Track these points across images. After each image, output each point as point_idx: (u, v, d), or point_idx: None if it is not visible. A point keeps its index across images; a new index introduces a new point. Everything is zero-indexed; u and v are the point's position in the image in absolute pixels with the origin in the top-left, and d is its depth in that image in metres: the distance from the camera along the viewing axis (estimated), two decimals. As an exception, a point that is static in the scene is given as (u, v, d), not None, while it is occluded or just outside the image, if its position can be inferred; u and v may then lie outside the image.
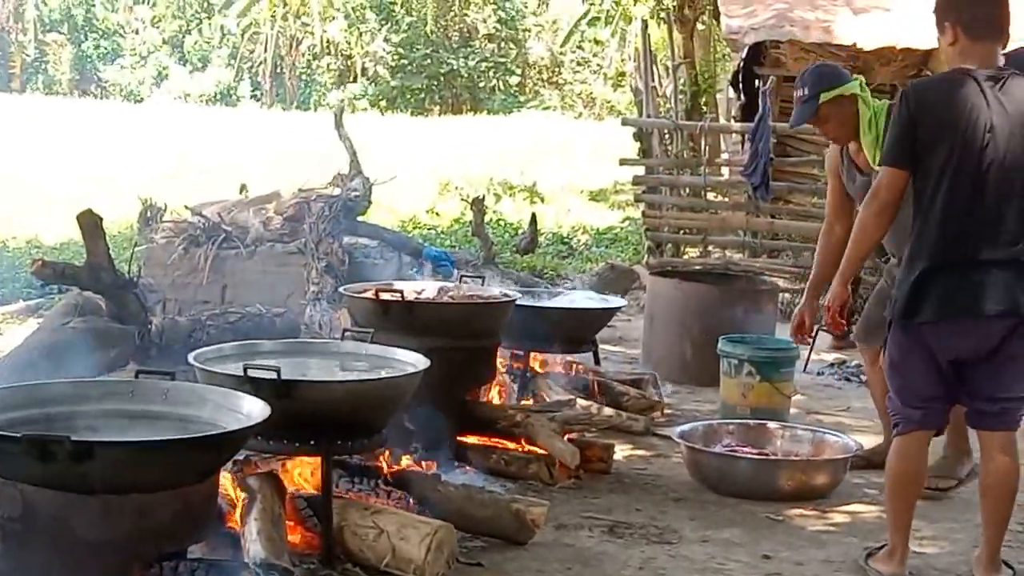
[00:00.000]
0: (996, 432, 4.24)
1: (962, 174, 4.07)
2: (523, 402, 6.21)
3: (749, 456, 5.59)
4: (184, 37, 42.51)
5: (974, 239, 4.10)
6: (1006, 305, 4.06)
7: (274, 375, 3.95)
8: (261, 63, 41.06)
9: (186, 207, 9.24)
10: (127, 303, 6.65)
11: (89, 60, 42.73)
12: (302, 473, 4.57)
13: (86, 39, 43.00)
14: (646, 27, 14.76)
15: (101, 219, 6.42)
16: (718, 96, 18.59)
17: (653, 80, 13.09)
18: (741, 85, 12.35)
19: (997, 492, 4.25)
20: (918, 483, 4.40)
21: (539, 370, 6.65)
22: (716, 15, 14.20)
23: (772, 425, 6.02)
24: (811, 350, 8.18)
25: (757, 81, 11.55)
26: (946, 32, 4.17)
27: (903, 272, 4.22)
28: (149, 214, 9.27)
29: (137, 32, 42.76)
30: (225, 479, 4.30)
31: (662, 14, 19.05)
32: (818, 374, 8.17)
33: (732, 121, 13.51)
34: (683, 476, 5.56)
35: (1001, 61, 4.13)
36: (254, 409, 3.52)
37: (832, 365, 8.35)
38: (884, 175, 4.23)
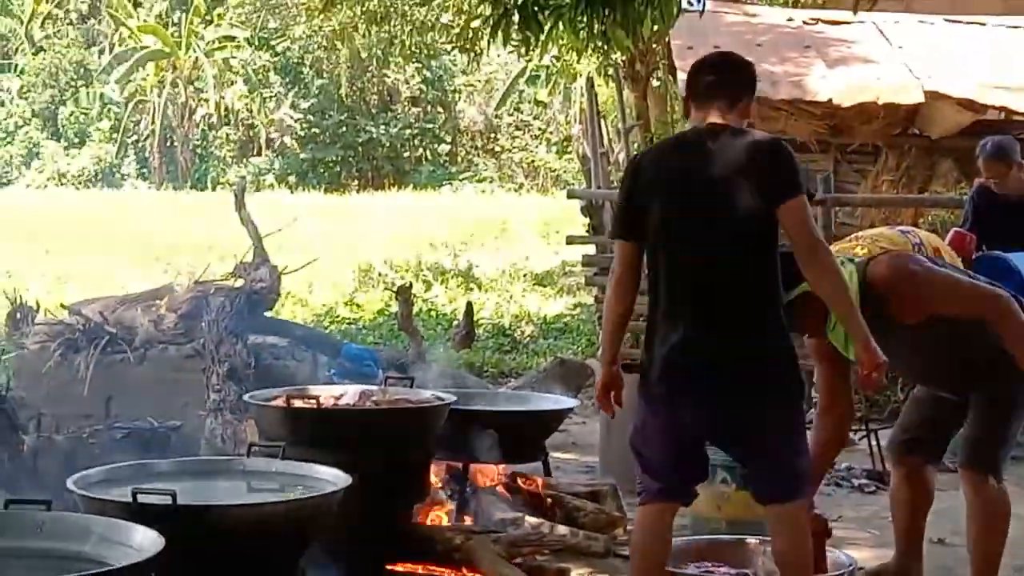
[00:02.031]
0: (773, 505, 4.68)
1: (671, 234, 4.61)
2: (463, 522, 6.18)
3: (727, 577, 5.59)
4: (58, 108, 42.49)
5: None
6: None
7: (168, 500, 3.93)
8: (148, 136, 41.14)
9: (62, 306, 9.20)
10: (-6, 420, 6.60)
11: (-53, 138, 42.58)
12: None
13: (-57, 113, 42.89)
14: (592, 85, 14.98)
15: (-38, 323, 6.38)
16: (678, 162, 18.81)
17: (603, 145, 13.24)
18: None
19: None
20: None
21: (480, 484, 6.62)
22: (672, 70, 14.42)
23: (752, 540, 6.00)
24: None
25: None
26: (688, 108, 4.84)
27: None
28: (19, 315, 9.21)
29: (3, 104, 42.70)
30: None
31: (610, 71, 19.28)
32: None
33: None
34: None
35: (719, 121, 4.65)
36: (145, 541, 3.49)
37: (819, 468, 8.38)
38: (615, 248, 4.81)
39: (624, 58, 17.40)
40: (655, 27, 7.56)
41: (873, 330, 4.66)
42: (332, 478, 4.48)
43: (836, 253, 5.03)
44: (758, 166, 4.51)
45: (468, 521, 6.21)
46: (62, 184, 38.53)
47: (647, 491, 4.80)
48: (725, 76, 4.80)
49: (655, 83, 18.90)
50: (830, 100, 11.54)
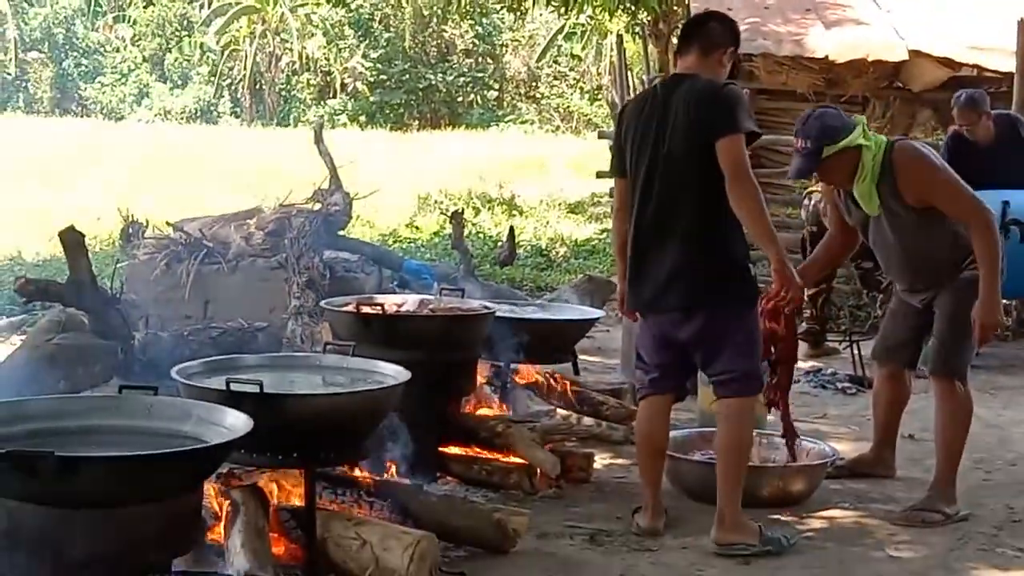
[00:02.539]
0: (723, 400, 4.77)
1: (640, 171, 4.73)
2: (504, 413, 6.21)
3: (727, 463, 5.58)
4: (164, 55, 42.47)
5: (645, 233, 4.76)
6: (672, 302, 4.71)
7: (257, 388, 3.96)
8: (240, 80, 41.06)
9: (168, 223, 9.23)
10: (110, 319, 6.64)
11: (70, 79, 42.63)
12: (285, 485, 4.57)
13: (67, 58, 42.90)
14: (621, 41, 14.84)
15: (83, 236, 6.41)
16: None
17: (628, 93, 13.12)
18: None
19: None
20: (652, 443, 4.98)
21: (519, 381, 6.65)
22: (690, 29, 14.22)
23: (749, 433, 6.02)
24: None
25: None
26: None
27: None
28: (131, 231, 9.25)
29: (118, 50, 42.71)
30: (209, 492, 4.31)
31: (637, 28, 19.09)
32: (795, 382, 8.17)
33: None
34: (663, 484, 5.56)
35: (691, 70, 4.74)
36: (237, 423, 3.51)
37: (808, 373, 8.37)
38: (614, 185, 4.99)
39: (649, 18, 17.22)
40: (677, -11, 7.47)
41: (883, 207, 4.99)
42: (394, 373, 4.49)
43: (872, 134, 5.14)
44: (701, 107, 4.58)
45: (508, 412, 6.24)
46: (167, 120, 38.56)
47: (643, 386, 5.01)
48: (699, 30, 4.84)
49: (675, 40, 18.69)
50: (826, 56, 11.39)
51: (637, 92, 14.36)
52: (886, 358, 5.67)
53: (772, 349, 5.23)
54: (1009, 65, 10.05)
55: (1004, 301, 7.88)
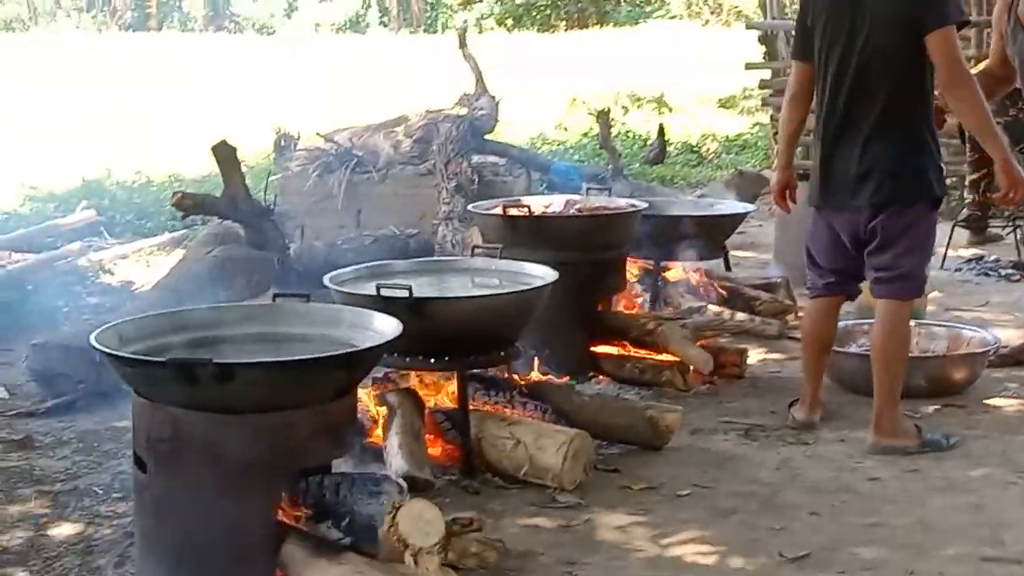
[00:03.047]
0: (880, 299, 4.60)
1: (831, 60, 4.48)
2: (655, 310, 6.19)
3: (885, 355, 5.49)
4: (311, -32, 42.74)
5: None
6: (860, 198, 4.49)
7: (406, 293, 4.01)
8: (387, -11, 41.11)
9: (318, 134, 9.34)
10: (265, 231, 6.79)
11: (221, -5, 43.22)
12: (439, 387, 4.63)
13: (217, -25, 43.47)
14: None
15: (236, 150, 6.54)
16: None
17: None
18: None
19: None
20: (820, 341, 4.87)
21: (670, 278, 6.61)
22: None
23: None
24: (947, 246, 8.03)
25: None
26: None
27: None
28: (283, 143, 9.39)
29: (265, -33, 43.10)
30: (366, 396, 4.40)
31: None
32: (956, 270, 8.00)
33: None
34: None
35: None
36: (387, 327, 3.56)
37: (970, 261, 8.16)
38: (792, 68, 4.77)
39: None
40: None
41: None
42: (543, 274, 4.50)
43: None
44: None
45: (659, 309, 6.22)
46: (318, 32, 38.89)
47: (815, 288, 4.88)
48: None
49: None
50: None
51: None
52: None
53: None
54: None
55: None
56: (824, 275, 4.80)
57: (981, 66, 5.43)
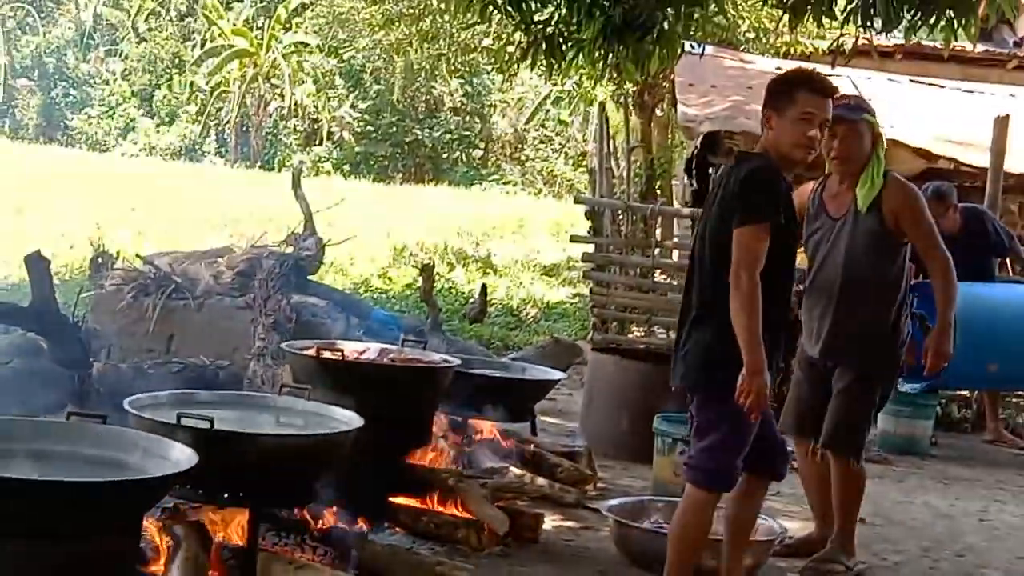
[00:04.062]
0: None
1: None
2: (457, 467, 6.18)
3: (676, 534, 5.57)
4: (153, 91, 42.54)
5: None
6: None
7: (207, 425, 3.94)
8: (228, 121, 41.12)
9: (138, 256, 9.21)
10: (70, 346, 6.61)
11: (57, 108, 42.65)
12: (229, 524, 4.53)
13: (55, 87, 42.95)
14: (604, 110, 14.93)
15: (48, 260, 6.40)
16: (673, 181, 18.76)
17: (609, 162, 13.21)
18: (695, 172, 12.46)
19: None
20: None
21: (475, 437, 6.63)
22: (674, 103, 14.37)
23: (701, 504, 6.01)
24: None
25: (710, 169, 11.67)
26: None
27: None
28: (100, 260, 9.22)
29: (107, 83, 42.76)
30: (152, 525, 4.27)
31: (622, 98, 19.24)
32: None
33: (684, 206, 13.63)
34: (610, 550, 5.55)
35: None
36: (183, 457, 3.49)
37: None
38: None
39: (634, 88, 17.37)
40: (661, 64, 7.51)
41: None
42: (348, 419, 4.48)
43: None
44: (728, 192, 4.44)
45: (461, 467, 6.22)
46: (151, 155, 38.56)
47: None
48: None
49: (659, 112, 18.83)
50: (807, 140, 11.47)
51: (616, 159, 14.48)
52: (798, 430, 5.69)
53: None
54: (984, 161, 10.16)
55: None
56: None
57: None
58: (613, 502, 5.81)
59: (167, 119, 41.78)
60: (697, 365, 4.45)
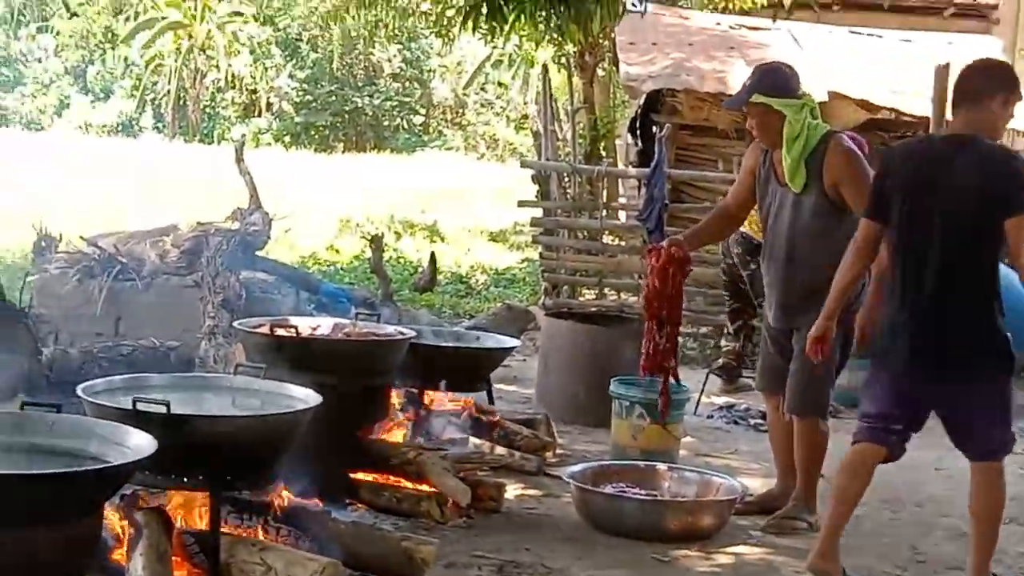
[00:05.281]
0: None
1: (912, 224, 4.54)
2: (416, 440, 6.17)
3: (636, 497, 5.62)
4: (87, 67, 41.99)
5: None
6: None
7: (163, 409, 3.89)
8: (164, 95, 40.67)
9: (81, 237, 9.09)
10: (17, 333, 6.53)
11: (-11, 87, 42.01)
12: (190, 508, 4.49)
13: (-13, 66, 42.30)
14: (547, 72, 14.90)
15: (-9, 247, 6.30)
16: (617, 142, 18.77)
17: (553, 124, 13.19)
18: (639, 131, 12.48)
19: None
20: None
21: (433, 409, 6.62)
22: (616, 62, 14.36)
23: (661, 467, 6.06)
24: (701, 393, 8.29)
25: (654, 128, 11.69)
26: None
27: None
28: (43, 243, 9.09)
29: (40, 61, 42.14)
30: (112, 513, 4.22)
31: (563, 60, 19.22)
32: (708, 417, 8.25)
33: (629, 167, 13.65)
34: (573, 516, 5.57)
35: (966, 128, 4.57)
36: (141, 443, 3.46)
37: (721, 408, 8.42)
38: (860, 222, 4.78)
39: (575, 49, 17.34)
40: (602, 23, 7.51)
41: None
42: (305, 397, 4.45)
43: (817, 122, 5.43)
44: (992, 179, 4.44)
45: (420, 439, 6.20)
46: (88, 133, 38.10)
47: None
48: (962, 84, 4.65)
49: (601, 72, 18.83)
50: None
51: (560, 121, 14.45)
52: (768, 388, 5.77)
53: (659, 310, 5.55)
54: (925, 109, 10.23)
55: None
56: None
57: (718, 207, 5.84)
58: (574, 468, 5.83)
59: (102, 95, 41.26)
60: (979, 358, 4.53)
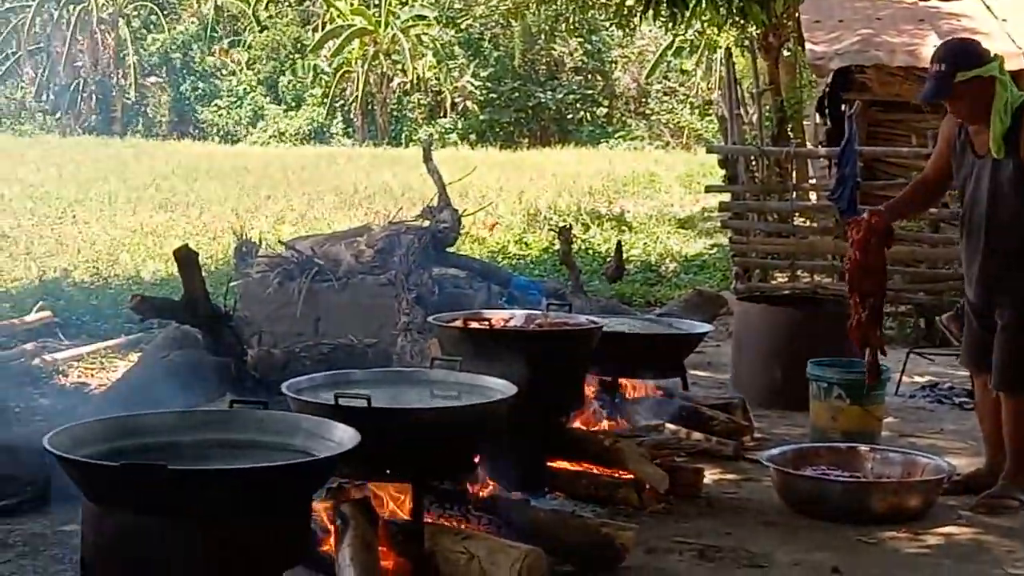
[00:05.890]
0: None
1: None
2: (612, 428, 6.17)
3: (840, 479, 5.51)
4: (278, 78, 43.21)
5: None
6: None
7: (364, 403, 3.98)
8: (352, 101, 41.60)
9: (280, 242, 9.34)
10: (223, 336, 6.74)
11: (187, 102, 43.59)
12: (394, 499, 4.59)
13: (184, 81, 43.89)
14: (730, 55, 14.71)
15: (197, 254, 6.53)
16: (804, 122, 18.43)
17: (738, 108, 12.99)
18: (827, 110, 12.24)
19: None
20: None
21: (628, 396, 6.61)
22: (801, 42, 14.12)
23: (863, 448, 5.93)
24: (902, 373, 8.08)
25: (843, 106, 11.43)
26: None
27: None
28: (244, 249, 9.38)
29: (233, 74, 43.56)
30: (319, 506, 4.34)
31: (746, 42, 18.95)
32: (910, 396, 8.03)
33: (818, 146, 13.38)
34: (773, 500, 5.50)
35: None
36: (345, 437, 3.54)
37: (924, 387, 8.20)
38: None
39: (759, 31, 17.08)
40: (786, 3, 7.39)
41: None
42: (502, 388, 4.49)
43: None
44: None
45: (616, 427, 6.21)
46: (281, 142, 39.20)
47: None
48: None
49: (786, 53, 18.51)
50: (941, 67, 11.18)
51: (745, 105, 14.26)
52: (974, 364, 5.60)
53: (862, 282, 5.40)
54: None
55: None
56: None
57: (917, 179, 5.69)
58: (773, 451, 5.76)
59: (294, 104, 42.42)
60: None
